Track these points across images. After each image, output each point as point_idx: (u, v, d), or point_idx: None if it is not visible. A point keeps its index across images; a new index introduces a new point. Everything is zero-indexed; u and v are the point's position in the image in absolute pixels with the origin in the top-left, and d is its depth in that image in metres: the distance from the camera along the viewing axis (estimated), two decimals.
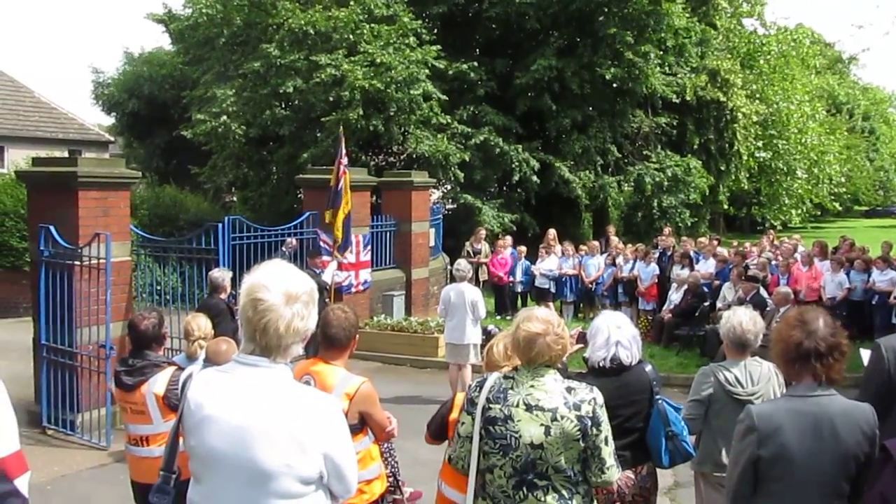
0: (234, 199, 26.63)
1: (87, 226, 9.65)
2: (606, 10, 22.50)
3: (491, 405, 3.75)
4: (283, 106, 20.90)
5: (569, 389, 3.71)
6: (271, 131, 20.89)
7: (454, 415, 4.67)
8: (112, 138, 30.74)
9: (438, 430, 4.76)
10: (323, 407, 2.77)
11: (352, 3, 19.95)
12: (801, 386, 3.56)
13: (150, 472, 5.08)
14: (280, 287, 2.72)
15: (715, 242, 17.93)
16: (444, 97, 20.06)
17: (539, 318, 3.78)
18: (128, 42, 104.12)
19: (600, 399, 3.74)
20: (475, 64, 21.27)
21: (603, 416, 3.71)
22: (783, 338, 3.59)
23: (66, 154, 22.34)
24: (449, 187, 21.69)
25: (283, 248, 13.22)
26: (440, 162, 19.45)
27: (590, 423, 3.65)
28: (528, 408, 3.66)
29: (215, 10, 21.27)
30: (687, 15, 24.67)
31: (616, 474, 3.79)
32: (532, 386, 3.71)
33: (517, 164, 21.14)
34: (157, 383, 5.23)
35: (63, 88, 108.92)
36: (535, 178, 21.38)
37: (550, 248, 17.77)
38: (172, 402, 5.11)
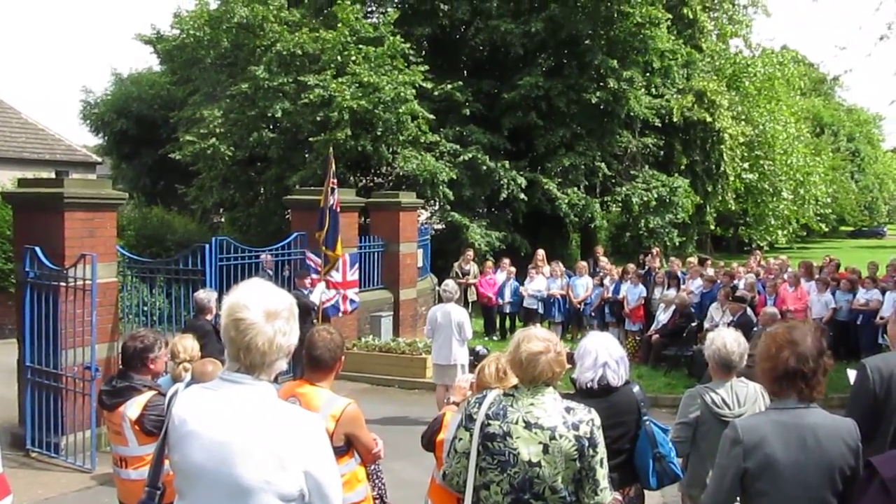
0: (222, 219, 26.57)
1: (72, 247, 9.61)
2: (592, 33, 22.66)
3: (490, 421, 3.76)
4: (271, 128, 20.92)
5: (567, 409, 3.73)
6: (259, 153, 20.91)
7: (442, 435, 4.66)
8: (100, 159, 30.63)
9: (429, 446, 4.80)
10: (304, 424, 2.76)
11: (339, 25, 20.03)
12: (783, 400, 3.57)
13: (129, 494, 5.09)
14: (260, 305, 2.73)
15: (708, 262, 18.04)
16: (431, 116, 20.13)
17: (539, 337, 3.80)
18: (116, 63, 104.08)
19: (598, 421, 3.75)
20: (461, 83, 21.38)
21: (600, 437, 3.72)
22: (770, 356, 3.58)
23: (52, 175, 22.26)
24: (437, 207, 21.70)
25: (265, 267, 13.24)
26: (428, 180, 19.48)
27: (587, 444, 3.67)
28: (528, 425, 3.67)
29: (203, 33, 21.31)
30: (672, 38, 24.88)
31: (608, 497, 3.78)
32: (532, 404, 3.72)
33: (504, 181, 21.19)
34: (132, 407, 5.20)
35: (51, 110, 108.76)
36: (521, 195, 21.40)
37: (539, 268, 17.80)
38: (147, 426, 5.09)
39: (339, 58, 19.75)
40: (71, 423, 9.55)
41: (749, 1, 34.95)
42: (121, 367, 5.57)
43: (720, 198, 29.08)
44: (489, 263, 18.57)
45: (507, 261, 18.56)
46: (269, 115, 19.66)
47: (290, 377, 7.27)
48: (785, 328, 3.66)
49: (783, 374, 3.53)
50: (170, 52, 23.86)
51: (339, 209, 12.97)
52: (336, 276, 14.02)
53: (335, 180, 13.04)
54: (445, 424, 4.70)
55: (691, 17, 27.06)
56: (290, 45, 19.75)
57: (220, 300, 9.64)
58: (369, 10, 23.88)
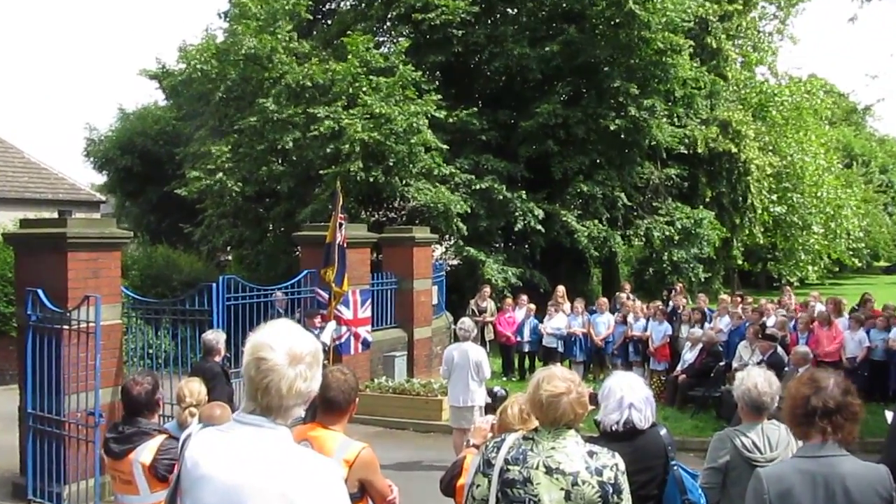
0: (229, 258, 26.68)
1: (76, 288, 9.67)
2: (612, 59, 22.78)
3: (509, 466, 3.74)
4: (281, 161, 21.07)
5: (591, 454, 3.71)
6: (268, 188, 21.04)
7: (462, 480, 4.64)
8: (103, 197, 30.90)
9: (448, 490, 4.77)
10: (321, 470, 2.77)
11: (349, 56, 20.23)
12: (809, 446, 3.54)
13: None
14: (284, 347, 2.76)
15: (738, 299, 17.98)
16: (444, 147, 20.26)
17: (561, 377, 3.79)
18: (121, 99, 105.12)
19: (622, 465, 3.74)
20: (475, 109, 21.54)
21: (624, 483, 3.71)
22: (792, 395, 3.61)
23: (55, 215, 22.46)
24: (452, 242, 21.70)
25: (277, 305, 13.26)
26: (442, 213, 19.53)
27: (611, 490, 3.65)
28: (549, 471, 3.65)
29: (210, 67, 21.54)
30: (695, 65, 24.95)
31: None
32: (553, 448, 3.70)
33: (521, 213, 21.21)
34: (145, 452, 5.20)
35: (54, 148, 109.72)
36: (539, 226, 21.38)
37: (559, 305, 17.75)
38: (160, 472, 5.09)
39: (349, 89, 19.94)
40: (74, 471, 9.55)
41: (775, 28, 35.19)
42: (124, 413, 5.57)
43: (747, 231, 29.02)
44: (508, 300, 18.55)
45: (525, 297, 18.53)
46: (279, 146, 19.81)
47: (300, 421, 7.26)
48: (809, 371, 3.70)
49: (804, 412, 3.52)
50: (175, 87, 24.12)
51: (346, 245, 13.05)
52: (347, 313, 14.06)
53: (343, 215, 13.13)
54: (466, 468, 4.68)
55: (715, 45, 27.15)
56: (299, 77, 19.96)
57: (228, 341, 9.70)
58: (380, 39, 24.12)
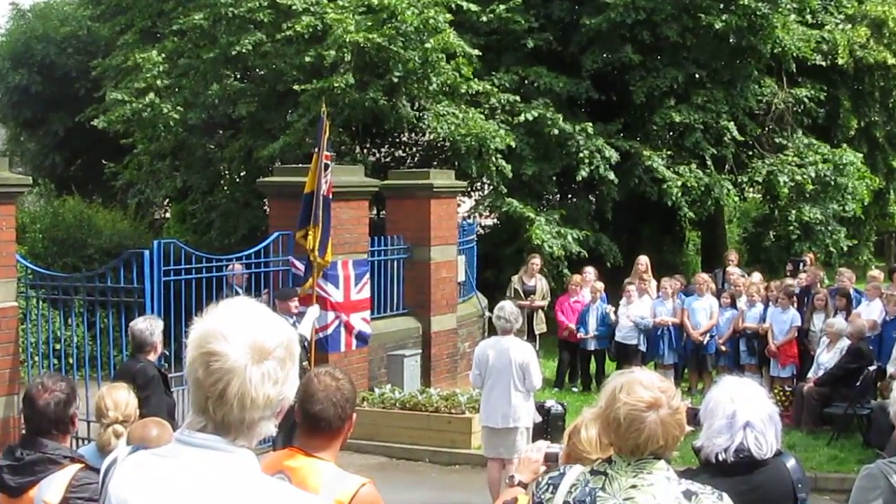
0: (168, 215, 26.79)
1: None
2: None
3: None
4: (239, 77, 21.00)
5: (688, 495, 3.68)
6: (221, 114, 20.99)
7: None
8: None
9: None
10: None
11: None
12: None
13: None
14: (244, 337, 2.70)
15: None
16: (476, 53, 20.13)
17: (646, 385, 3.75)
18: None
19: None
20: (521, 4, 21.28)
21: None
22: None
23: None
24: (487, 192, 21.59)
25: (234, 283, 13.31)
26: (473, 150, 19.30)
27: None
28: None
29: None
30: None
31: None
32: (634, 487, 3.67)
33: (585, 153, 20.98)
34: (52, 488, 5.19)
35: None
36: (611, 174, 21.23)
37: (642, 283, 17.65)
38: None
39: None
40: None
41: None
42: (25, 432, 5.59)
43: None
44: (576, 277, 18.44)
45: (591, 271, 18.41)
46: (235, 53, 19.61)
47: (269, 447, 7.27)
48: None
49: None
50: None
51: (331, 195, 13.02)
52: (335, 294, 14.07)
53: (329, 154, 13.10)
54: None
55: None
56: None
57: (167, 332, 9.74)
58: None
